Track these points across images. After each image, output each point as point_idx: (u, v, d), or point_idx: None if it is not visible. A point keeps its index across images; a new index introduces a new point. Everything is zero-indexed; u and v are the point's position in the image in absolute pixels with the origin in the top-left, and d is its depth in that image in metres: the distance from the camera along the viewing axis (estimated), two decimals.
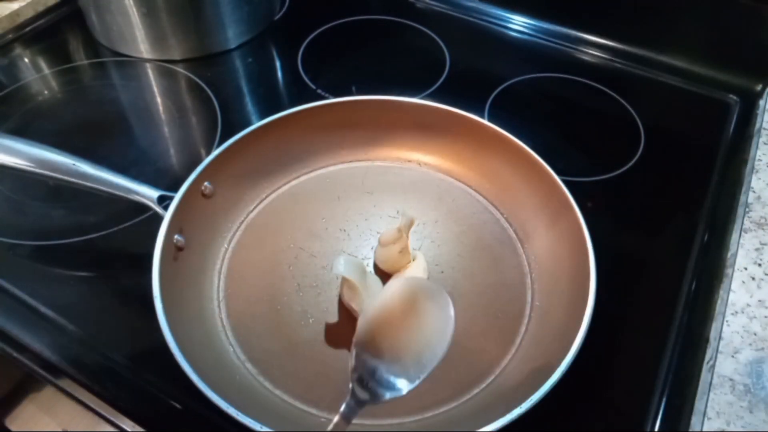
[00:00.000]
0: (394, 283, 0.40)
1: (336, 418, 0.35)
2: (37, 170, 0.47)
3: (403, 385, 0.36)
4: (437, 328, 0.38)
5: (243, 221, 0.54)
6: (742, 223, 0.53)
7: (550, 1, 0.79)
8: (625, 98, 0.70)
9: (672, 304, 0.51)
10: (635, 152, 0.64)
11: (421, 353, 0.37)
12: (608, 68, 0.75)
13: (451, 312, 0.39)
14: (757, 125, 0.65)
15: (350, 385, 0.36)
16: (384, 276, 0.49)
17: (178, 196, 0.48)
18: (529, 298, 0.49)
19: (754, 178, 0.57)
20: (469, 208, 0.56)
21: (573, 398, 0.44)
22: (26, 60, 0.74)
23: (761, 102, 0.69)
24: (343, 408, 0.35)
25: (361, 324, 0.38)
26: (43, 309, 0.48)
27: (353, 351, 0.37)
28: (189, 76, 0.71)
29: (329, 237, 0.53)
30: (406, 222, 0.47)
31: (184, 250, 0.48)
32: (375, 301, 0.39)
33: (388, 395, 0.36)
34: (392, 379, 0.37)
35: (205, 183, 0.51)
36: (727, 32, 0.71)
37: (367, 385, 0.36)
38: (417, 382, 0.37)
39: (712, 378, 0.43)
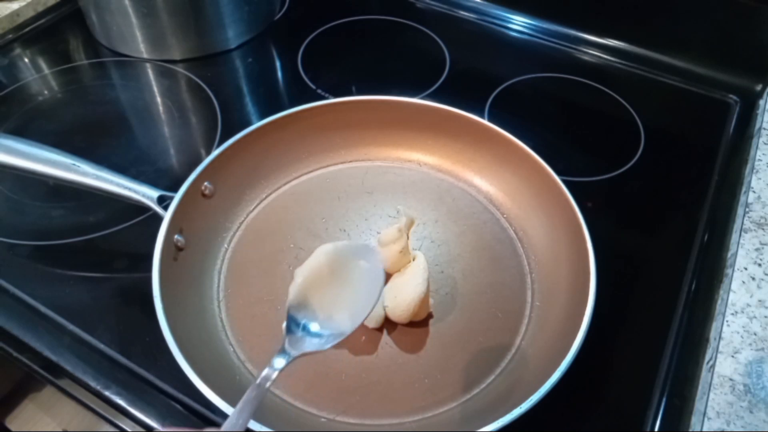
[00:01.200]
0: (320, 249, 0.42)
1: (265, 371, 0.35)
2: (37, 170, 0.47)
3: (335, 338, 0.39)
4: (367, 282, 0.41)
5: (243, 221, 0.54)
6: (742, 223, 0.53)
7: (550, 1, 0.79)
8: (625, 98, 0.70)
9: (672, 304, 0.51)
10: (635, 152, 0.64)
11: (353, 306, 0.40)
12: (608, 68, 0.75)
13: (379, 264, 0.42)
14: (757, 125, 0.65)
15: (283, 343, 0.37)
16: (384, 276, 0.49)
17: (178, 196, 0.48)
18: (529, 298, 0.49)
19: (754, 178, 0.57)
20: (469, 208, 0.56)
21: (573, 398, 0.43)
22: (26, 60, 0.74)
23: (761, 102, 0.69)
24: (275, 360, 0.36)
25: (291, 290, 0.40)
26: (43, 309, 0.48)
27: (287, 315, 0.39)
28: (189, 76, 0.71)
29: (329, 237, 0.53)
30: (406, 222, 0.47)
31: (184, 250, 0.48)
32: (303, 268, 0.41)
33: (322, 347, 0.38)
34: (325, 333, 0.39)
35: (205, 183, 0.51)
36: (727, 32, 0.71)
37: (299, 344, 0.38)
38: (350, 331, 0.39)
39: (712, 378, 0.43)
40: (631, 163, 0.62)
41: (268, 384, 0.35)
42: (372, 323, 0.46)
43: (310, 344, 0.38)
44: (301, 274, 0.41)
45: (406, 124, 0.58)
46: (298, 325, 0.39)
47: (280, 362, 0.36)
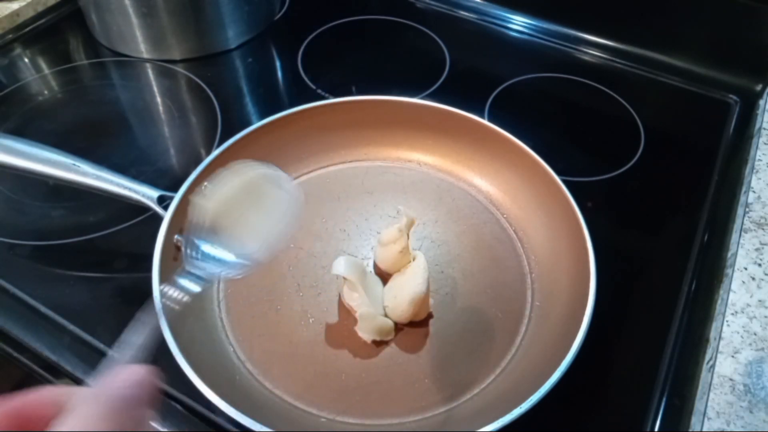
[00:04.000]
0: (234, 171, 0.40)
1: (164, 287, 0.34)
2: (37, 170, 0.47)
3: (245, 261, 0.37)
4: (279, 208, 0.39)
5: None
6: (742, 223, 0.53)
7: (550, 1, 0.79)
8: (625, 98, 0.70)
9: (672, 304, 0.51)
10: (635, 152, 0.64)
11: (264, 231, 0.38)
12: (608, 68, 0.75)
13: (293, 190, 0.40)
14: (757, 125, 0.64)
15: (184, 265, 0.35)
16: (384, 276, 0.49)
17: (178, 196, 0.48)
18: (529, 298, 0.49)
19: (754, 178, 0.57)
20: (469, 208, 0.56)
21: (573, 398, 0.43)
22: (26, 60, 0.74)
23: (761, 102, 0.69)
24: (175, 278, 0.35)
25: (196, 215, 0.38)
26: (43, 309, 0.48)
27: (184, 238, 0.37)
28: (189, 76, 0.71)
29: (329, 237, 0.53)
30: (406, 222, 0.47)
31: None
32: (215, 191, 0.39)
33: (233, 274, 0.37)
34: (232, 256, 0.37)
35: (205, 183, 0.51)
36: (727, 32, 0.71)
37: (202, 266, 0.36)
38: (262, 258, 0.37)
39: (712, 378, 0.43)
40: (631, 163, 0.62)
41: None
42: (375, 335, 0.46)
43: (216, 268, 0.36)
44: (213, 197, 0.39)
45: (406, 124, 0.58)
46: (203, 247, 0.36)
47: (187, 283, 0.34)
